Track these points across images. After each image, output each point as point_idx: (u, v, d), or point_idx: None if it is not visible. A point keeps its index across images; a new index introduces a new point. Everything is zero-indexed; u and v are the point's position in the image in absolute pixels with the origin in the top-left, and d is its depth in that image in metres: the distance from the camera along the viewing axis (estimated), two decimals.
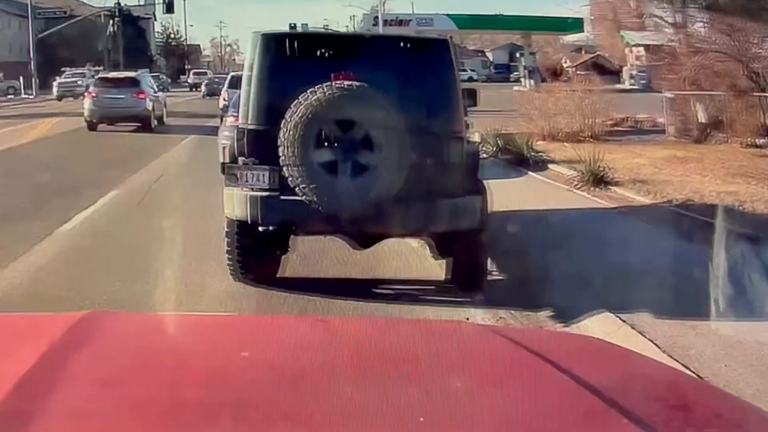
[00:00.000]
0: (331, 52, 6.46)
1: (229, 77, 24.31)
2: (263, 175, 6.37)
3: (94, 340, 1.62)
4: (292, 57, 6.48)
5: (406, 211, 6.37)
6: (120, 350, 1.65)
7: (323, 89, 6.08)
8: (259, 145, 6.42)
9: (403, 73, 6.48)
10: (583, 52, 66.44)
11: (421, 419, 1.30)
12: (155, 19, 79.90)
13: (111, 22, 66.35)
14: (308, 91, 6.09)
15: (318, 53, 6.43)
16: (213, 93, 35.90)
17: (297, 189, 6.16)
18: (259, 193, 6.37)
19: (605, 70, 52.35)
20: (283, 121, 6.10)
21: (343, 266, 7.28)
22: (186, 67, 70.49)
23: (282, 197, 6.31)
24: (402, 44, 6.74)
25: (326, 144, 6.21)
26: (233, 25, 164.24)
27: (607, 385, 1.45)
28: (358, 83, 6.12)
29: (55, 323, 1.77)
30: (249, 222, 6.44)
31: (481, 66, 72.57)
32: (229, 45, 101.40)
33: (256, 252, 6.67)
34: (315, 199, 6.14)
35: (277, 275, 6.81)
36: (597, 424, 1.35)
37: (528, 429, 1.32)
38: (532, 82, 45.15)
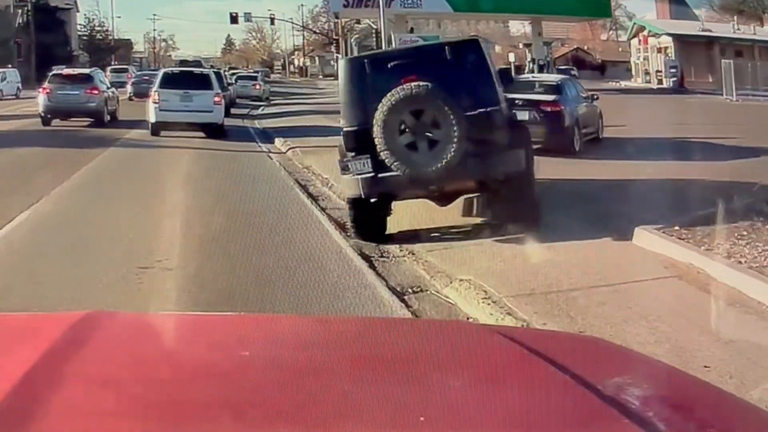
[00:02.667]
0: (396, 63, 8.84)
1: (161, 75, 22.73)
2: (365, 162, 8.56)
3: (93, 340, 1.63)
4: (370, 72, 8.74)
5: (469, 168, 8.44)
6: (120, 350, 1.66)
7: (397, 91, 8.37)
8: (360, 141, 8.63)
9: (449, 69, 8.68)
10: (558, 45, 57.83)
11: (421, 419, 1.31)
12: (77, 10, 71.22)
13: (20, 12, 58.83)
14: (387, 95, 8.36)
15: (388, 66, 8.80)
16: (142, 94, 27.87)
17: (391, 166, 8.39)
18: (364, 176, 8.58)
19: (586, 65, 48.80)
20: (374, 119, 8.38)
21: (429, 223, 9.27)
22: (114, 63, 62.04)
23: (379, 175, 8.54)
24: (445, 48, 9.03)
25: (406, 130, 8.46)
26: (169, 18, 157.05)
27: (607, 385, 1.46)
28: (420, 83, 8.39)
29: (55, 323, 1.78)
30: (361, 197, 8.72)
31: None
32: (164, 40, 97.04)
33: (369, 219, 8.84)
34: (404, 171, 8.38)
35: (386, 233, 8.88)
36: (597, 424, 1.36)
37: (528, 429, 1.33)
38: None
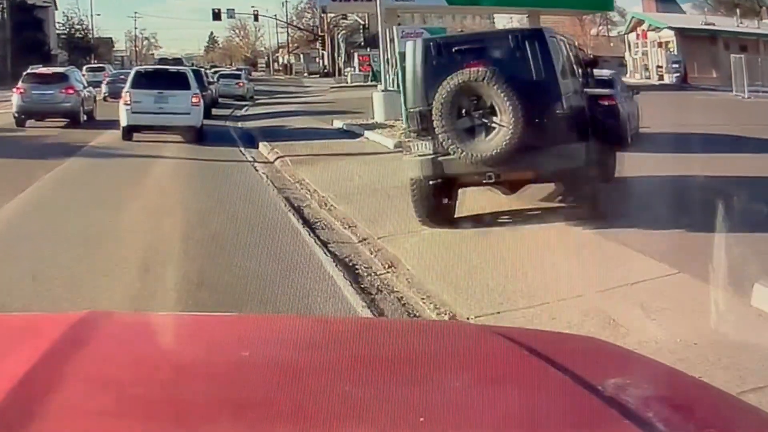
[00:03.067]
0: (461, 48, 8.90)
1: (133, 73, 21.00)
2: (426, 143, 8.65)
3: (93, 340, 1.63)
4: (435, 54, 8.80)
5: (524, 158, 8.39)
6: (120, 350, 1.65)
7: (458, 75, 8.42)
8: (422, 122, 8.71)
9: (512, 57, 8.70)
10: None
11: (421, 419, 1.30)
12: (56, 8, 69.78)
13: None
14: (447, 78, 8.41)
15: (452, 50, 8.82)
16: (117, 94, 25.12)
17: (448, 149, 8.44)
18: (424, 157, 8.66)
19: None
20: (434, 101, 8.45)
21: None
22: (93, 62, 62.62)
23: (439, 158, 8.60)
24: (511, 36, 9.05)
25: (465, 114, 8.48)
26: (151, 16, 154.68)
27: (607, 385, 1.45)
28: (480, 68, 8.40)
29: (55, 323, 1.78)
30: (422, 178, 8.75)
31: None
32: (146, 38, 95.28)
33: (429, 202, 8.87)
34: (460, 154, 8.40)
35: (454, 216, 8.97)
36: (597, 424, 1.35)
37: (528, 429, 1.32)
38: None
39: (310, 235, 9.00)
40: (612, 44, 59.96)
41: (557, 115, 8.51)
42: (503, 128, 8.31)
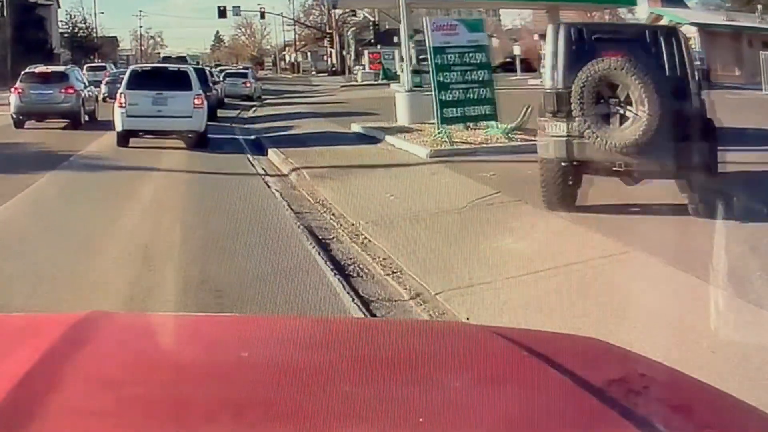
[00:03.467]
0: (601, 36, 9.37)
1: (129, 72, 18.79)
2: (561, 125, 9.00)
3: (94, 340, 1.61)
4: (576, 40, 9.22)
5: (655, 151, 8.70)
6: (120, 350, 1.64)
7: (598, 62, 8.81)
8: (559, 104, 9.05)
9: (649, 52, 9.06)
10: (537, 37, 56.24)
11: (421, 420, 1.29)
12: (58, 6, 67.88)
13: None
14: (588, 64, 8.81)
15: (593, 38, 9.25)
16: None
17: (583, 133, 8.81)
18: (558, 138, 9.00)
19: None
20: (573, 86, 8.83)
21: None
22: (96, 61, 58.10)
23: (574, 141, 8.95)
24: (647, 31, 9.78)
25: (601, 101, 8.88)
26: (156, 15, 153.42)
27: (607, 385, 1.45)
28: (620, 58, 8.78)
29: (55, 323, 1.76)
30: (554, 159, 9.07)
31: None
32: (152, 37, 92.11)
33: (557, 184, 9.11)
34: (596, 140, 8.75)
35: (575, 204, 9.15)
36: (597, 424, 1.34)
37: (528, 429, 1.31)
38: None
39: (344, 288, 6.69)
40: None
41: (688, 112, 8.82)
42: (639, 118, 8.64)
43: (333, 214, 9.84)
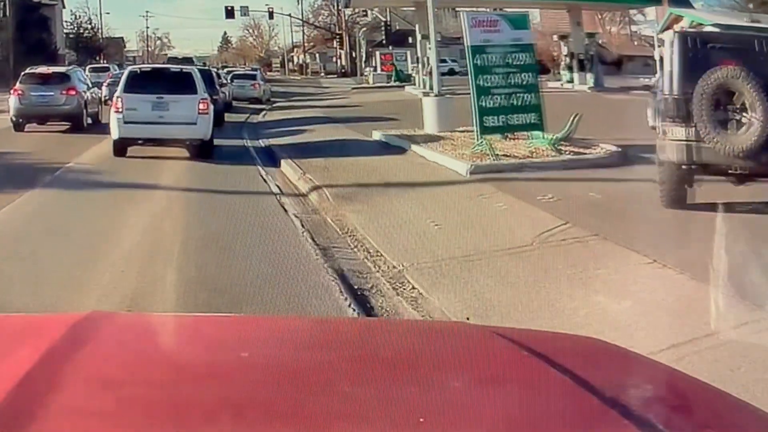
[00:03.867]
0: (718, 45, 9.90)
1: (126, 74, 17.11)
2: (681, 129, 9.40)
3: (94, 340, 1.60)
4: (693, 47, 9.64)
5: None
6: (120, 350, 1.63)
7: (717, 70, 9.24)
8: (678, 109, 9.50)
9: (761, 59, 9.43)
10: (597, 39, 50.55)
11: (421, 420, 1.28)
12: (63, 6, 66.84)
13: None
14: (708, 71, 9.25)
15: (709, 46, 9.77)
16: None
17: (704, 137, 9.21)
18: (681, 142, 9.40)
19: (601, 60, 43.10)
20: (694, 92, 9.25)
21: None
22: (102, 62, 56.86)
23: (695, 145, 9.33)
24: (757, 40, 9.84)
25: (720, 108, 9.30)
26: (163, 16, 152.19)
27: (607, 385, 1.44)
28: (739, 67, 9.21)
29: (55, 323, 1.75)
30: (675, 162, 9.46)
31: (460, 55, 63.51)
32: (159, 38, 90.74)
33: (675, 185, 9.55)
34: (716, 144, 9.18)
35: (687, 202, 9.53)
36: (597, 424, 1.34)
37: (528, 429, 1.31)
38: (588, 77, 34.67)
39: None
40: (636, 42, 58.73)
41: None
42: (755, 124, 9.14)
43: (368, 251, 7.91)
